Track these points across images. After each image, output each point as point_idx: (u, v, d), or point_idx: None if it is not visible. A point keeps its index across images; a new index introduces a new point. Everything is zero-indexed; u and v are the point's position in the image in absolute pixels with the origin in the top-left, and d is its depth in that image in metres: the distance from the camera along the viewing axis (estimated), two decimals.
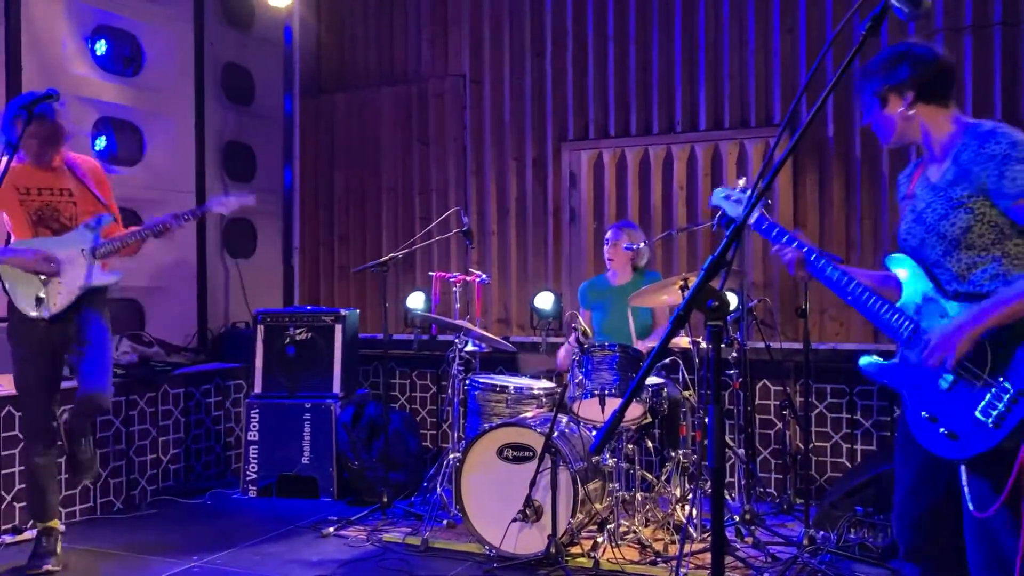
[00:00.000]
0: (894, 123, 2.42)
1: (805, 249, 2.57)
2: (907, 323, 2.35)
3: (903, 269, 2.43)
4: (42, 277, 3.96)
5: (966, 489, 2.19)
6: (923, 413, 2.28)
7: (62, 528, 4.18)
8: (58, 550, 4.05)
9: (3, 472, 4.42)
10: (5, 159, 3.27)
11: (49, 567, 3.95)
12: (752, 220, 2.66)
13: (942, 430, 2.22)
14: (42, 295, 3.96)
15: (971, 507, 2.17)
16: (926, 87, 2.37)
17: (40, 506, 4.08)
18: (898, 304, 2.40)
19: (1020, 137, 2.23)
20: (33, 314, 3.95)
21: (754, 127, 5.50)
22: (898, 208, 2.58)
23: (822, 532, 4.14)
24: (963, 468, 2.21)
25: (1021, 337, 2.13)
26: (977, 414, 2.15)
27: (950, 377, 2.22)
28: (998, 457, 2.10)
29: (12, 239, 4.06)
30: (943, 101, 2.39)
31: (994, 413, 2.12)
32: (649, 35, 5.79)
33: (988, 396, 2.14)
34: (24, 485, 4.25)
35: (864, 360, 2.45)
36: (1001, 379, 2.13)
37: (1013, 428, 2.08)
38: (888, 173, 5.18)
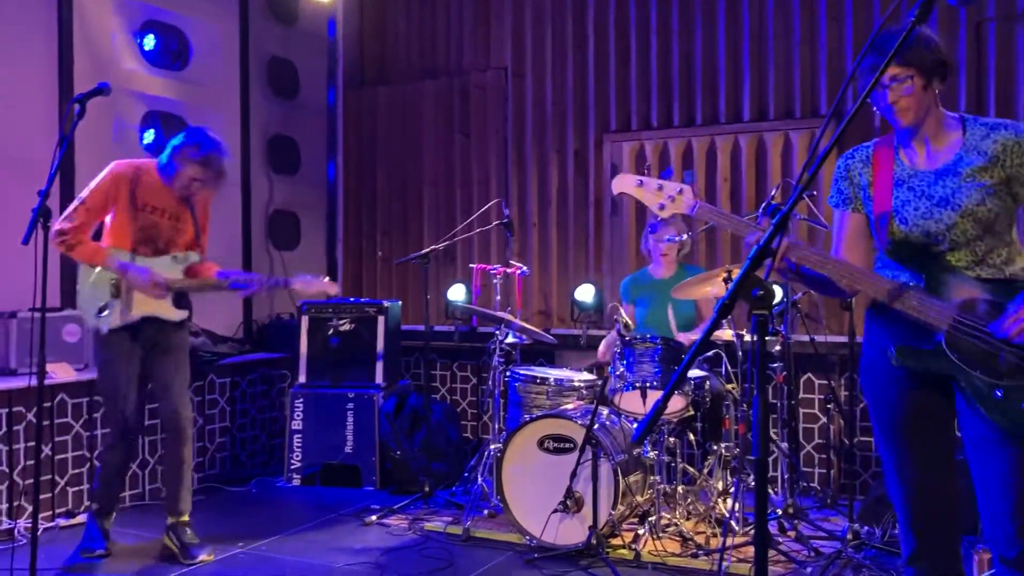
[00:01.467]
0: (926, 104, 2.38)
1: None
2: (943, 309, 2.29)
3: (911, 257, 2.39)
4: (114, 289, 3.98)
5: None
6: (998, 393, 2.23)
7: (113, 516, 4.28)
8: (108, 535, 4.16)
9: (57, 458, 4.54)
10: (60, 151, 3.33)
11: (102, 551, 4.05)
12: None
13: (1022, 405, 2.21)
14: (108, 307, 3.99)
15: None
16: (944, 72, 2.39)
17: (105, 498, 4.16)
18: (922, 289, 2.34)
19: None
20: (93, 323, 4.00)
21: (799, 118, 5.43)
22: (845, 194, 2.53)
23: (866, 527, 4.09)
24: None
25: None
26: None
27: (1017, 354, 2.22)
28: None
29: (104, 241, 4.05)
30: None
31: None
32: (692, 25, 5.74)
33: None
34: (82, 470, 4.35)
35: (902, 352, 2.36)
36: None
37: None
38: None
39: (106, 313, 3.99)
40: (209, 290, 4.24)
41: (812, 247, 2.38)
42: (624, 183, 2.58)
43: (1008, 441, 2.24)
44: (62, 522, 4.50)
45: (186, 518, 4.11)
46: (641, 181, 2.54)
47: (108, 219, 4.03)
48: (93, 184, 3.98)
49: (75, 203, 3.97)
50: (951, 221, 2.34)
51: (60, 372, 4.60)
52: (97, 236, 4.09)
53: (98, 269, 3.98)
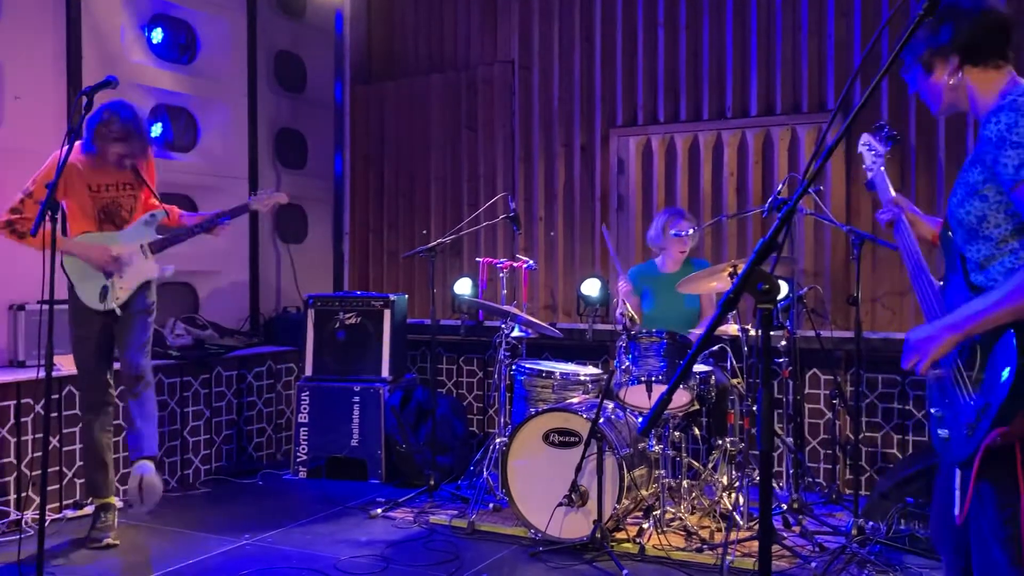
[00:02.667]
0: (941, 91, 2.16)
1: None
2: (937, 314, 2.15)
3: (945, 248, 2.24)
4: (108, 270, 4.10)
5: (957, 493, 2.05)
6: (933, 411, 2.13)
7: (119, 504, 4.33)
8: (115, 525, 4.19)
9: (64, 449, 4.56)
10: (66, 148, 3.35)
11: (108, 541, 4.08)
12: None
13: (942, 431, 2.08)
14: (107, 288, 4.11)
15: (956, 511, 2.04)
16: (973, 49, 2.08)
17: (98, 483, 4.22)
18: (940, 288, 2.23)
19: (1018, 114, 1.95)
20: (99, 306, 4.10)
21: (806, 112, 5.42)
22: None
23: (871, 523, 4.08)
24: (957, 472, 2.05)
25: (997, 342, 1.91)
26: (961, 419, 1.99)
27: (949, 377, 2.05)
28: (970, 466, 1.94)
29: (69, 229, 4.17)
30: (996, 62, 2.09)
31: (971, 422, 1.95)
32: (700, 20, 5.73)
33: (970, 402, 1.97)
34: (83, 462, 4.38)
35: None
36: (981, 386, 1.95)
37: (979, 440, 1.90)
38: (944, 159, 5.07)
39: (109, 295, 4.10)
40: (185, 239, 4.31)
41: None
42: (861, 144, 2.78)
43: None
44: (69, 513, 4.53)
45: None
46: (867, 141, 2.74)
47: (65, 208, 4.13)
48: (38, 174, 4.03)
49: (19, 194, 4.03)
50: (951, 224, 2.17)
51: (68, 364, 4.61)
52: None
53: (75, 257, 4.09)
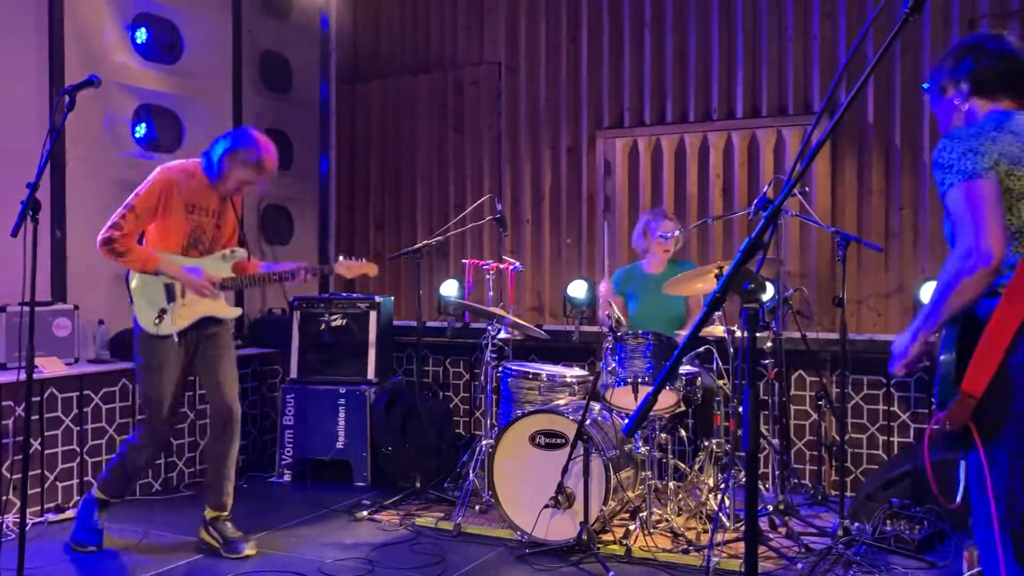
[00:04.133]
0: (951, 112, 2.39)
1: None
2: None
3: None
4: (171, 294, 3.97)
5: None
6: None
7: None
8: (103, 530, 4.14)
9: (46, 452, 4.52)
10: (49, 143, 3.30)
11: (95, 547, 4.03)
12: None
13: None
14: (166, 312, 3.97)
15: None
16: (985, 83, 2.32)
17: (116, 490, 4.14)
18: None
19: (948, 140, 2.18)
20: (153, 331, 3.96)
21: (792, 115, 5.43)
22: None
23: (857, 524, 4.10)
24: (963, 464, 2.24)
25: (941, 338, 2.18)
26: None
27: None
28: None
29: (151, 244, 4.01)
30: (1000, 96, 2.32)
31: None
32: (686, 21, 5.74)
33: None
34: (73, 464, 4.33)
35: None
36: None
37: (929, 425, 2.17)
38: (927, 161, 5.09)
39: (166, 317, 3.97)
40: (258, 285, 4.29)
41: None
42: None
43: None
44: (51, 517, 4.48)
45: (227, 513, 4.10)
46: None
47: (155, 227, 4.00)
48: (141, 190, 3.94)
49: (122, 210, 3.91)
50: None
51: (50, 366, 4.58)
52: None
53: (147, 274, 3.96)
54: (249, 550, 4.00)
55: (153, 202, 3.91)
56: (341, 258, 4.43)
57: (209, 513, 4.09)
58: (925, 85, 2.50)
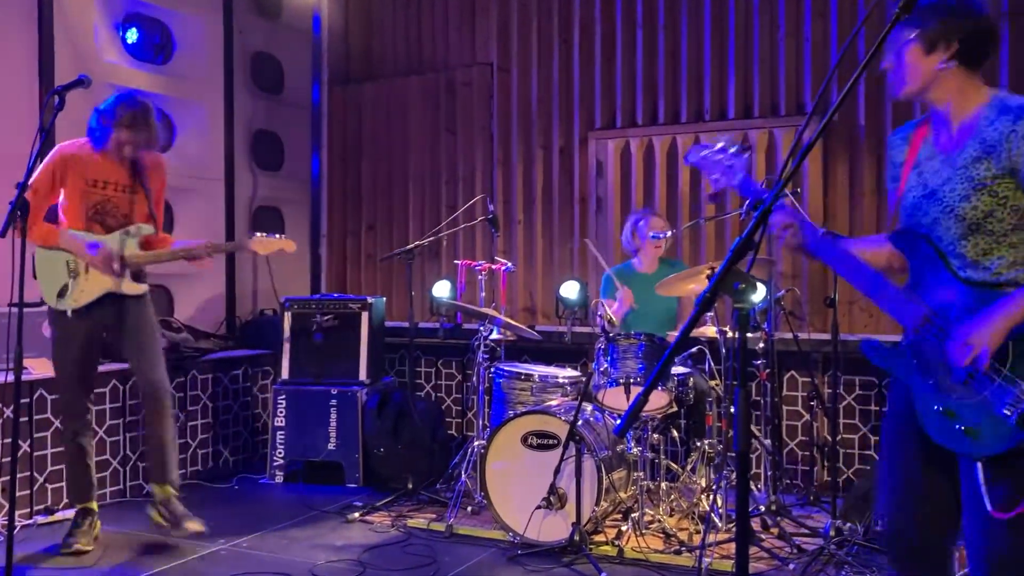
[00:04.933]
0: (921, 73, 2.18)
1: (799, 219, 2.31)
2: (919, 309, 2.17)
3: (908, 248, 2.26)
4: (71, 269, 3.97)
5: (984, 488, 2.04)
6: (937, 407, 2.13)
7: (96, 510, 4.21)
8: (94, 531, 4.12)
9: (36, 454, 4.49)
10: (37, 147, 3.29)
11: (79, 546, 4.00)
12: (736, 181, 2.41)
13: (959, 426, 2.08)
14: (67, 288, 3.97)
15: (990, 507, 2.03)
16: (972, 46, 2.15)
17: (77, 487, 4.14)
18: (905, 286, 2.24)
19: None
20: (52, 305, 3.99)
21: (784, 115, 5.44)
22: (889, 172, 2.39)
23: (849, 524, 4.09)
24: (980, 467, 2.06)
25: None
26: (999, 411, 2.02)
27: (967, 370, 2.07)
28: (1021, 456, 1.99)
29: (61, 224, 4.03)
30: (978, 66, 2.18)
31: (1019, 410, 1.99)
32: (678, 22, 5.74)
33: (1014, 392, 2.00)
34: (62, 466, 4.32)
35: (868, 344, 2.29)
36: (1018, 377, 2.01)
37: None
38: None
39: (68, 294, 3.98)
40: (165, 261, 4.16)
41: (816, 229, 2.28)
42: (693, 155, 2.51)
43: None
44: (40, 519, 4.45)
45: (171, 490, 4.09)
46: (707, 152, 2.46)
47: (61, 200, 4.02)
48: (40, 167, 3.94)
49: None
50: (933, 216, 2.19)
51: (38, 367, 4.54)
52: (53, 219, 4.08)
53: (51, 250, 3.97)
54: (196, 527, 4.03)
55: (48, 178, 3.93)
56: (257, 234, 4.17)
57: (156, 492, 4.09)
58: (904, 29, 2.17)
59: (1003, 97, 2.16)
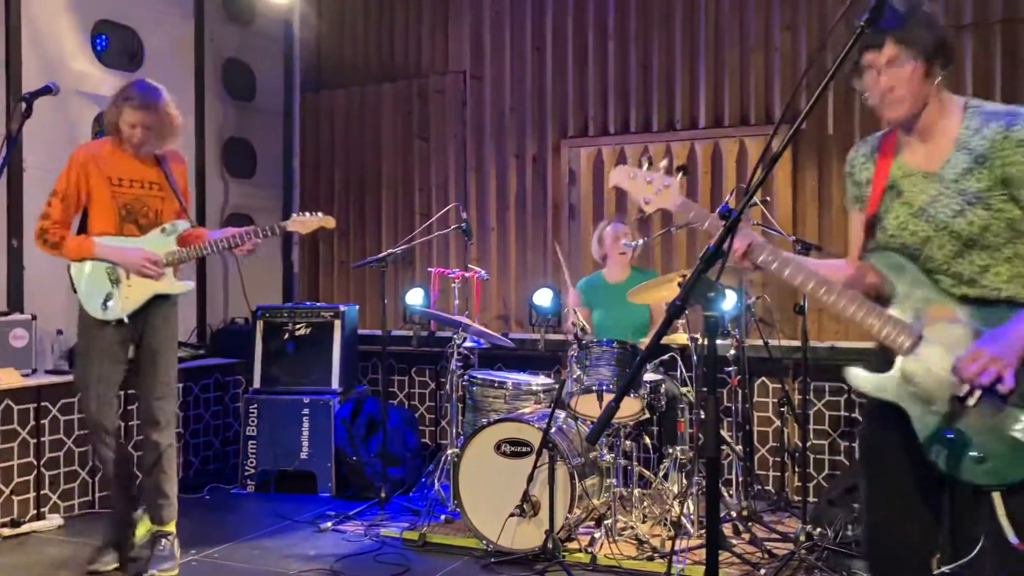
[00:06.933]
0: (924, 94, 2.08)
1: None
2: (906, 331, 2.07)
3: (893, 269, 2.16)
4: (112, 278, 3.82)
5: (1004, 520, 1.96)
6: (946, 435, 2.00)
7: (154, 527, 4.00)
8: (120, 545, 3.96)
9: (2, 465, 4.42)
10: (4, 153, 3.23)
11: (111, 562, 3.89)
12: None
13: (973, 454, 1.97)
14: (112, 297, 3.82)
15: (1015, 540, 1.94)
16: (948, 57, 2.09)
17: (114, 502, 4.00)
18: (892, 308, 2.13)
19: None
20: (101, 317, 3.82)
21: (754, 125, 5.49)
22: (852, 192, 2.31)
23: (819, 529, 4.13)
24: (997, 497, 1.97)
25: None
26: (1016, 435, 1.93)
27: (977, 394, 1.95)
28: None
29: (90, 232, 3.86)
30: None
31: None
32: (650, 32, 5.79)
33: None
34: (29, 477, 4.24)
35: (854, 374, 2.17)
36: None
37: None
38: None
39: (112, 304, 3.81)
40: (206, 255, 4.06)
41: (782, 253, 2.23)
42: (619, 176, 2.38)
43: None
44: (5, 531, 4.38)
45: (163, 527, 3.92)
46: (633, 174, 2.33)
47: (88, 205, 3.84)
48: (61, 174, 3.82)
49: (47, 199, 3.80)
50: (925, 235, 2.10)
51: (6, 377, 4.49)
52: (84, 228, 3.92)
53: (90, 261, 3.82)
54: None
55: (73, 181, 3.78)
56: (295, 214, 4.11)
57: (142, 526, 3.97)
58: (901, 44, 2.05)
59: (977, 105, 2.10)
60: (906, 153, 2.18)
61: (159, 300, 3.91)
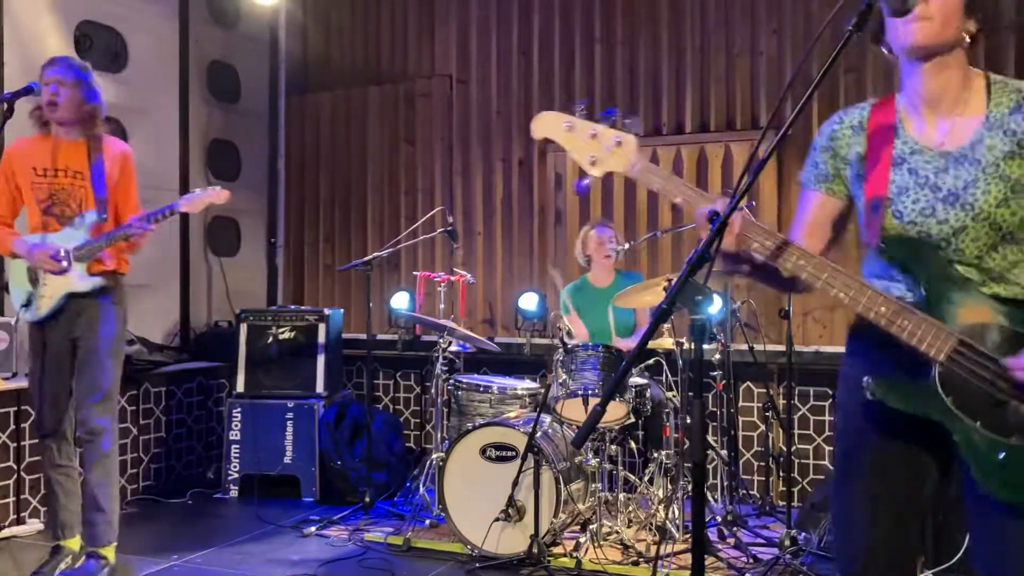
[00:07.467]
0: (953, 29, 1.82)
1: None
2: (942, 335, 1.76)
3: (913, 259, 1.86)
4: (32, 277, 3.70)
5: None
6: (1001, 455, 1.73)
7: (75, 549, 3.81)
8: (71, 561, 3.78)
9: None
10: None
11: None
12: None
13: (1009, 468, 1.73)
14: (32, 297, 3.70)
15: None
16: (986, 14, 1.85)
17: (52, 520, 3.83)
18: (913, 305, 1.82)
19: None
20: (21, 317, 3.74)
21: (739, 130, 5.51)
22: (830, 166, 2.06)
23: (804, 533, 4.14)
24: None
25: None
26: None
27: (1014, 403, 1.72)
28: None
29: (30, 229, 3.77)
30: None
31: None
32: (636, 37, 5.80)
33: None
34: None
35: (875, 386, 1.82)
36: None
37: None
38: None
39: (32, 304, 3.71)
40: (105, 247, 3.68)
41: (776, 234, 1.98)
42: (548, 126, 1.92)
43: (1016, 512, 1.74)
44: None
45: (80, 547, 3.73)
46: (570, 124, 1.89)
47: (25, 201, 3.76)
48: None
49: None
50: (959, 224, 1.82)
51: None
52: None
53: (16, 260, 3.73)
54: None
55: (2, 174, 3.72)
56: (186, 195, 3.85)
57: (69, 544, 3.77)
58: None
59: (1002, 80, 1.88)
60: (912, 125, 1.92)
61: (83, 299, 3.69)
